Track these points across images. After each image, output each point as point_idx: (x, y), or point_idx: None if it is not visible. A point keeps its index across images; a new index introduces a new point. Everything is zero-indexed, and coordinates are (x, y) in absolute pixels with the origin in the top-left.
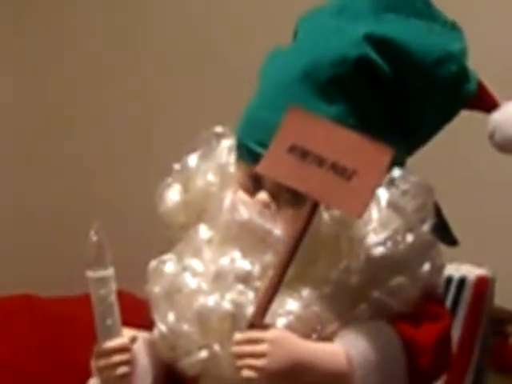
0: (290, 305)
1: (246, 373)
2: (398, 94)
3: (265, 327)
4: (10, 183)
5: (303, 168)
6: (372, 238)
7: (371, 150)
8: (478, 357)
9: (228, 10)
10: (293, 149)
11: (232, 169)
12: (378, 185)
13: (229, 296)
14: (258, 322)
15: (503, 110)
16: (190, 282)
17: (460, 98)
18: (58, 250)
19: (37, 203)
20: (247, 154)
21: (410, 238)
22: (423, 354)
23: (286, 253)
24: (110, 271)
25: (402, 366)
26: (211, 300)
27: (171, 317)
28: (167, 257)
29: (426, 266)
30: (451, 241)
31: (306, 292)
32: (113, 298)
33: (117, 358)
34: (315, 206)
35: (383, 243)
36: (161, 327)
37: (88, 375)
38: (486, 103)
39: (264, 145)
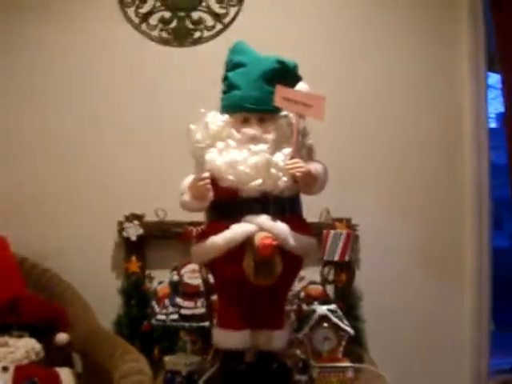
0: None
1: (297, 174)
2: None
3: (297, 157)
4: None
5: (290, 104)
6: None
7: (316, 96)
8: None
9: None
10: (284, 98)
11: (221, 123)
12: (324, 109)
13: (257, 157)
14: (293, 156)
15: None
16: (239, 156)
17: None
18: None
19: None
20: (246, 109)
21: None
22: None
23: (296, 136)
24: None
25: (326, 175)
26: (254, 159)
27: (240, 168)
28: (214, 154)
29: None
30: None
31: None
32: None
33: (206, 180)
34: (299, 118)
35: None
36: (230, 176)
37: None
38: None
39: (254, 104)
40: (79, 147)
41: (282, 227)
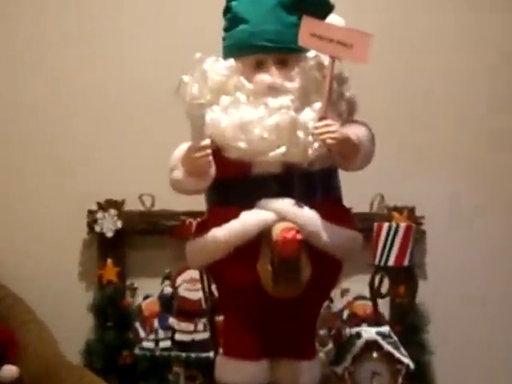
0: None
1: (329, 141)
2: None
3: (330, 117)
4: None
5: (322, 43)
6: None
7: (359, 33)
8: None
9: None
10: (313, 35)
11: (225, 71)
12: (369, 51)
13: (278, 115)
14: (324, 116)
15: None
16: (252, 115)
17: None
18: None
19: None
20: (259, 48)
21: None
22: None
23: (328, 86)
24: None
25: (373, 142)
26: (273, 118)
27: (255, 131)
28: (217, 113)
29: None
30: None
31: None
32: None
33: (207, 151)
34: (333, 61)
35: None
36: (240, 144)
37: None
38: None
39: (271, 41)
40: (36, 116)
41: (310, 216)
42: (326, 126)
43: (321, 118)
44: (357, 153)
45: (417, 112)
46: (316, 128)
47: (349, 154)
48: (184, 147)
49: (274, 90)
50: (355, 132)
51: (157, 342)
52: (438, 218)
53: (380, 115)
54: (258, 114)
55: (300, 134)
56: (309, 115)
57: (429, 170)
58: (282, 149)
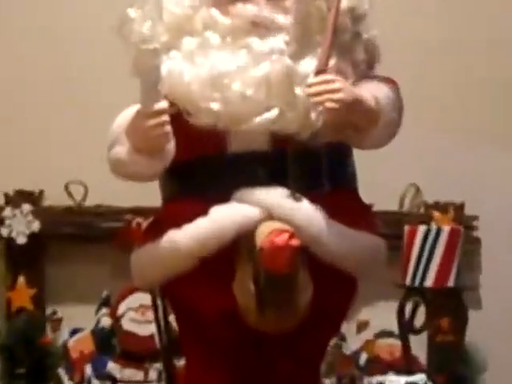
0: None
1: (329, 105)
2: None
3: (329, 71)
4: None
5: None
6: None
7: None
8: None
9: None
10: None
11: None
12: None
13: (268, 63)
14: (324, 68)
15: None
16: (229, 64)
17: None
18: None
19: None
20: None
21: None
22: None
23: (333, 22)
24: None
25: (399, 107)
26: (261, 68)
27: (233, 87)
28: (178, 62)
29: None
30: None
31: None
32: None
33: (163, 117)
34: None
35: None
36: (211, 105)
37: None
38: None
39: None
40: None
41: (311, 212)
42: (325, 82)
43: (318, 71)
44: (374, 123)
45: (467, 75)
46: (310, 86)
47: (363, 124)
48: (130, 113)
49: (260, 27)
50: (373, 92)
51: None
52: (498, 221)
53: (417, 72)
54: (238, 63)
55: (299, 91)
56: (311, 64)
57: (486, 152)
58: (274, 112)
